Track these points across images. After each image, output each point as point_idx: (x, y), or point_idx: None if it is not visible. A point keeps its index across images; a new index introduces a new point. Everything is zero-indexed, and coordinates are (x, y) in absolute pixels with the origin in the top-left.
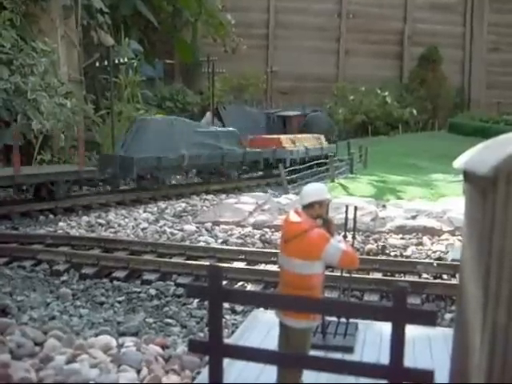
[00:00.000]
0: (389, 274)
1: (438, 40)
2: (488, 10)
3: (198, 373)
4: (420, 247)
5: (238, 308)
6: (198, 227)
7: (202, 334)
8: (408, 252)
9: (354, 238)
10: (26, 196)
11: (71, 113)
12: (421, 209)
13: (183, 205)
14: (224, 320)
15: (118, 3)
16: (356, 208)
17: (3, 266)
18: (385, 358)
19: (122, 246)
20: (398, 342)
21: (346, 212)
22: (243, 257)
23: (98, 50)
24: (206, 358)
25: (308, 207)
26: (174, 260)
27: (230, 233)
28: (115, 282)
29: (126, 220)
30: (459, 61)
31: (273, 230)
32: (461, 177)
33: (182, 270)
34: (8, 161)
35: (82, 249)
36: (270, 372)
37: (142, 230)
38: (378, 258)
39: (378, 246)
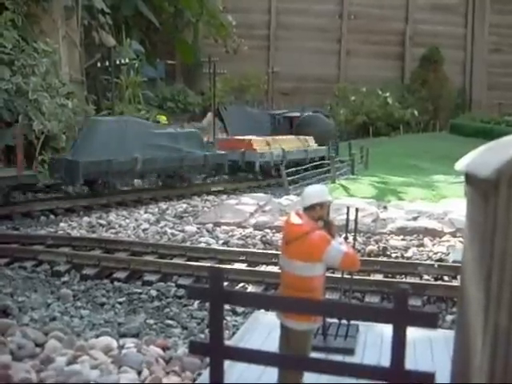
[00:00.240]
0: (390, 275)
1: (440, 41)
2: (489, 11)
3: (199, 374)
4: (421, 249)
5: (239, 309)
6: (198, 228)
7: (202, 336)
8: (409, 253)
9: (354, 239)
10: None
11: (72, 113)
12: (422, 210)
13: (184, 205)
14: (225, 321)
15: (119, 4)
16: (357, 209)
17: (4, 267)
18: (386, 360)
19: (122, 246)
20: (399, 344)
21: (347, 213)
22: (244, 258)
23: (100, 50)
24: (207, 360)
25: (309, 209)
26: (174, 261)
27: (230, 234)
28: (116, 283)
29: (127, 221)
30: (460, 62)
31: (274, 231)
32: (462, 178)
33: (183, 271)
34: (9, 161)
35: (83, 249)
36: (271, 373)
37: (143, 230)
38: (379, 259)
39: (378, 248)
